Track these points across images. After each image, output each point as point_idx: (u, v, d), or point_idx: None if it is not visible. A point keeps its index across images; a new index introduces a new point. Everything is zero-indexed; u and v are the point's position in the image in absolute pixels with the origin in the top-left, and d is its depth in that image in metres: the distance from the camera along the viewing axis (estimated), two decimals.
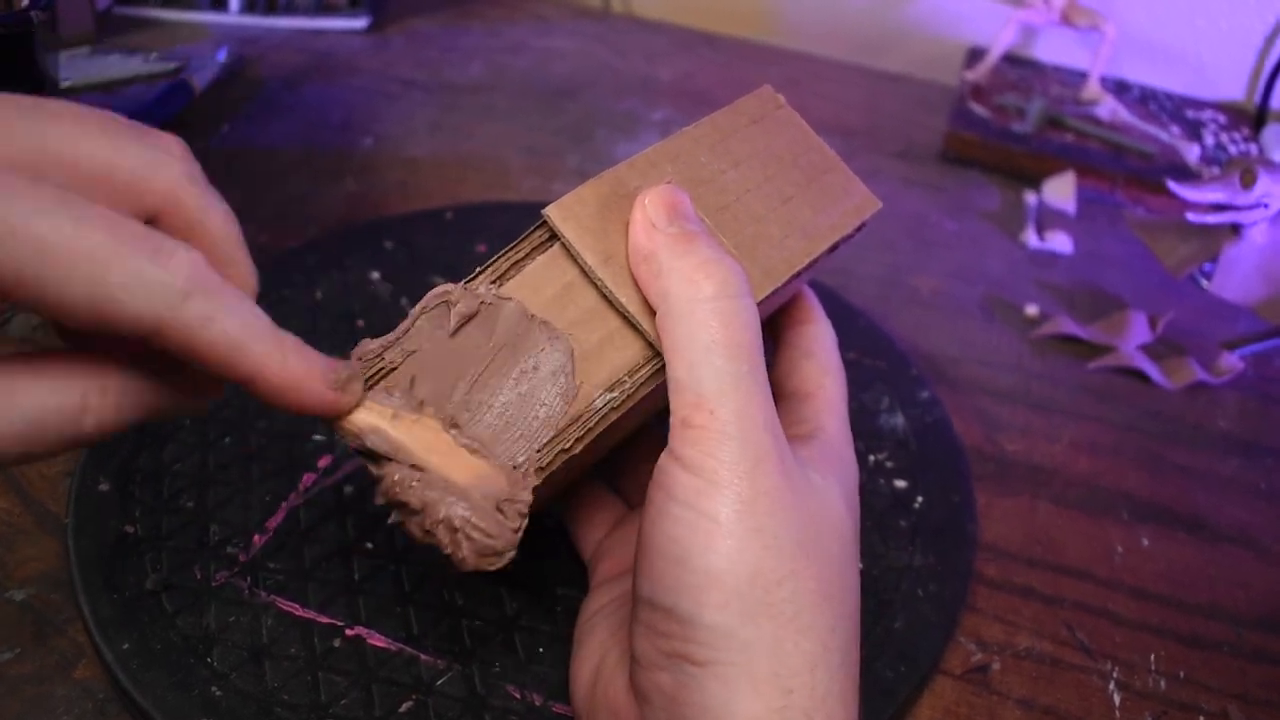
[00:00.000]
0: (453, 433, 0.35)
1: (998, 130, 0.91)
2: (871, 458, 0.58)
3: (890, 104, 1.00)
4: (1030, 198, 0.86)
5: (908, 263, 0.77)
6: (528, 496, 0.35)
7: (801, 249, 0.40)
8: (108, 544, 0.48)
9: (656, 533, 0.34)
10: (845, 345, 0.49)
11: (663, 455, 0.35)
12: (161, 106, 0.81)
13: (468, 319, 0.36)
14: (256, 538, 0.50)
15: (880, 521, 0.54)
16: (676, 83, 0.98)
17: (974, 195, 0.87)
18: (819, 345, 0.44)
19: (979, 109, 0.94)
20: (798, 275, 0.39)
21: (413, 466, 0.34)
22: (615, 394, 0.36)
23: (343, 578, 0.48)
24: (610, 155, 0.85)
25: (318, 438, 0.54)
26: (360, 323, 0.62)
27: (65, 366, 0.29)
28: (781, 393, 0.43)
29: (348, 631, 0.46)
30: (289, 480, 0.52)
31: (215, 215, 0.31)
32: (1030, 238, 0.81)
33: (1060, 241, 0.80)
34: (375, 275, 0.66)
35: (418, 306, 0.36)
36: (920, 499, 0.56)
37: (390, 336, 0.36)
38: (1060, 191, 0.86)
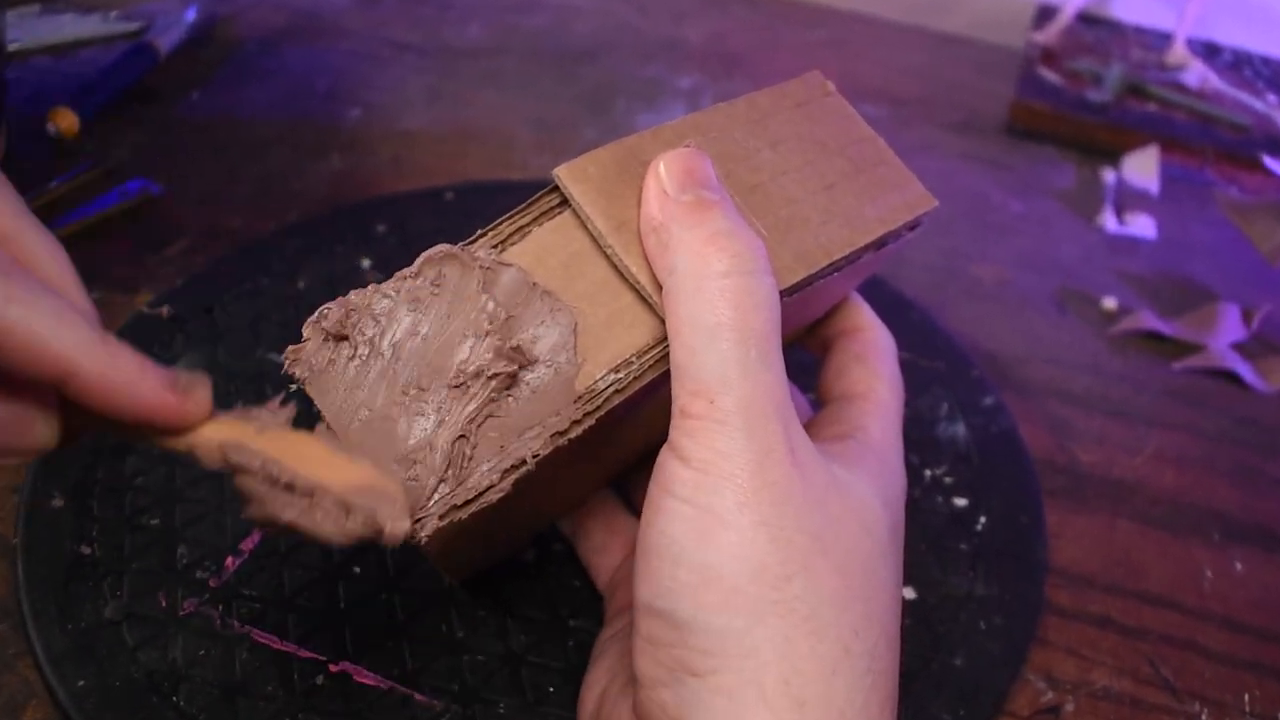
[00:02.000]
0: (325, 437, 0.35)
1: (1071, 99, 0.90)
2: (928, 472, 0.57)
3: (949, 69, 0.99)
4: (1108, 176, 0.85)
5: (968, 249, 0.77)
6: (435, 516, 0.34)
7: (842, 237, 0.39)
8: (61, 567, 0.48)
9: (652, 531, 0.34)
10: (896, 343, 0.49)
11: (662, 449, 0.35)
12: (121, 72, 0.81)
13: None
14: (230, 561, 0.49)
15: (937, 544, 0.54)
16: (707, 46, 0.98)
17: (1044, 172, 0.86)
18: (872, 350, 0.44)
19: (1049, 75, 0.93)
20: (838, 268, 0.39)
21: (286, 485, 0.34)
22: (620, 375, 0.36)
23: (327, 606, 0.48)
24: (631, 128, 0.84)
25: None
26: None
27: None
28: (828, 397, 0.44)
29: (332, 667, 0.46)
30: None
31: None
32: (1108, 221, 0.80)
33: (1142, 225, 0.80)
34: (365, 263, 0.66)
35: (406, 270, 0.36)
36: (983, 519, 0.55)
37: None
38: (1142, 168, 0.85)
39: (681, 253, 0.34)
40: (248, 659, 0.46)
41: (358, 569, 0.49)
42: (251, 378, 0.58)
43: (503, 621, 0.48)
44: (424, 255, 0.36)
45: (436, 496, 0.34)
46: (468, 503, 0.34)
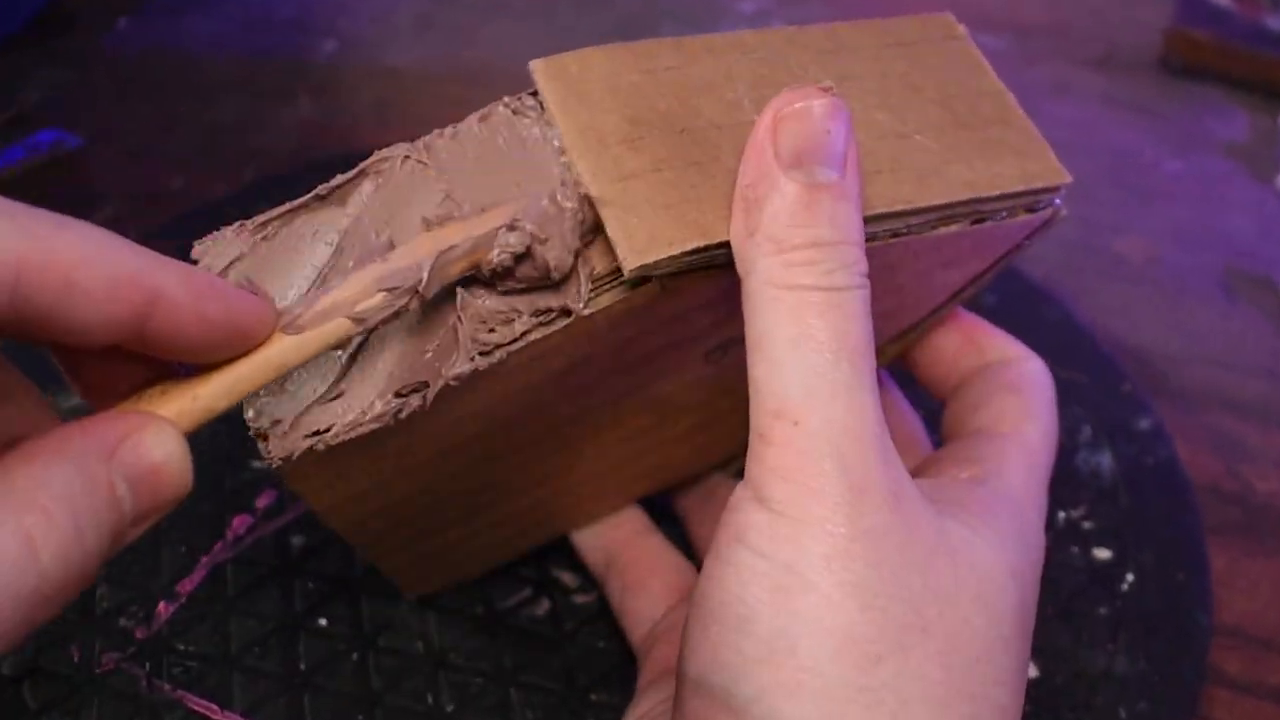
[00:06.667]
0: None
1: (1242, 27, 0.90)
2: (1062, 514, 0.57)
3: None
4: None
5: (1110, 218, 0.76)
6: None
7: (902, 194, 0.37)
8: None
9: (714, 587, 0.33)
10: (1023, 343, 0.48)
11: (737, 487, 0.34)
12: None
13: None
14: (162, 606, 0.50)
15: (1067, 607, 0.53)
16: None
17: (1207, 121, 0.85)
18: (1028, 383, 0.44)
19: None
20: (897, 234, 0.37)
21: None
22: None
23: (283, 667, 0.48)
24: None
25: (257, 464, 0.54)
26: None
27: None
28: (962, 429, 0.43)
29: None
30: (212, 525, 0.52)
31: None
32: None
33: None
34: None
35: None
36: (1130, 576, 0.54)
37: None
38: None
39: (767, 251, 0.33)
40: None
41: (323, 621, 0.49)
42: None
43: (504, 692, 0.48)
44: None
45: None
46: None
